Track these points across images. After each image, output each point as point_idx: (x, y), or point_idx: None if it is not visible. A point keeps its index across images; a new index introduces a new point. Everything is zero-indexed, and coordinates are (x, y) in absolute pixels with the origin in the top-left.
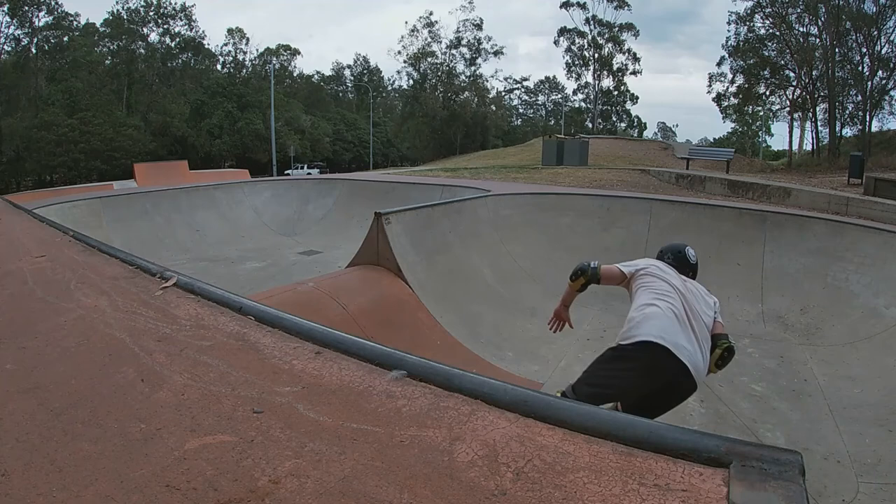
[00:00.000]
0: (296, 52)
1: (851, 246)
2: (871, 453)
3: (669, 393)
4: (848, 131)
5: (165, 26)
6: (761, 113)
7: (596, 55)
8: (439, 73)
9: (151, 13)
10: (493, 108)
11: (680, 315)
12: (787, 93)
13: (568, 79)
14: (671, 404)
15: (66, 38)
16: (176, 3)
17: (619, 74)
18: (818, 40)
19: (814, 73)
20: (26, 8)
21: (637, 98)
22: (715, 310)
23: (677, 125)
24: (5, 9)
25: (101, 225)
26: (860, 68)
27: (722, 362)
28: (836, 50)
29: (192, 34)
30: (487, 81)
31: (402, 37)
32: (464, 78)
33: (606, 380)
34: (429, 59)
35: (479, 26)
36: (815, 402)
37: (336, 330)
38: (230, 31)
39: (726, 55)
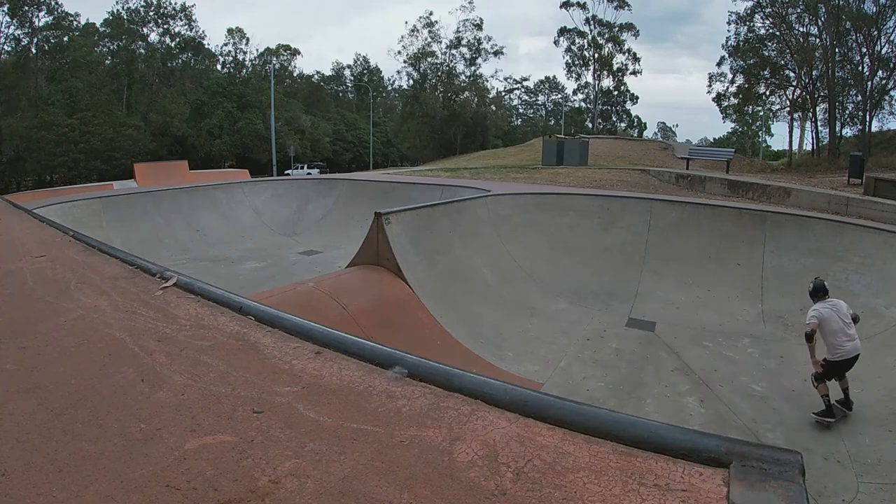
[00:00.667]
0: (296, 52)
1: (851, 246)
2: (871, 453)
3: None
4: (848, 131)
5: (165, 26)
6: (761, 113)
7: (596, 55)
8: (439, 73)
9: (151, 13)
10: (493, 108)
11: (845, 330)
12: (787, 93)
13: (568, 79)
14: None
15: (66, 38)
16: (176, 3)
17: (619, 74)
18: (818, 40)
19: (814, 73)
20: (26, 8)
21: (637, 98)
22: (849, 312)
23: (677, 125)
24: (5, 9)
25: (101, 225)
26: (860, 68)
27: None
28: (836, 50)
29: (192, 34)
30: (487, 81)
31: (402, 37)
32: (464, 78)
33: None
34: (429, 59)
35: (479, 26)
36: (815, 403)
37: (336, 330)
38: (230, 31)
39: (726, 55)
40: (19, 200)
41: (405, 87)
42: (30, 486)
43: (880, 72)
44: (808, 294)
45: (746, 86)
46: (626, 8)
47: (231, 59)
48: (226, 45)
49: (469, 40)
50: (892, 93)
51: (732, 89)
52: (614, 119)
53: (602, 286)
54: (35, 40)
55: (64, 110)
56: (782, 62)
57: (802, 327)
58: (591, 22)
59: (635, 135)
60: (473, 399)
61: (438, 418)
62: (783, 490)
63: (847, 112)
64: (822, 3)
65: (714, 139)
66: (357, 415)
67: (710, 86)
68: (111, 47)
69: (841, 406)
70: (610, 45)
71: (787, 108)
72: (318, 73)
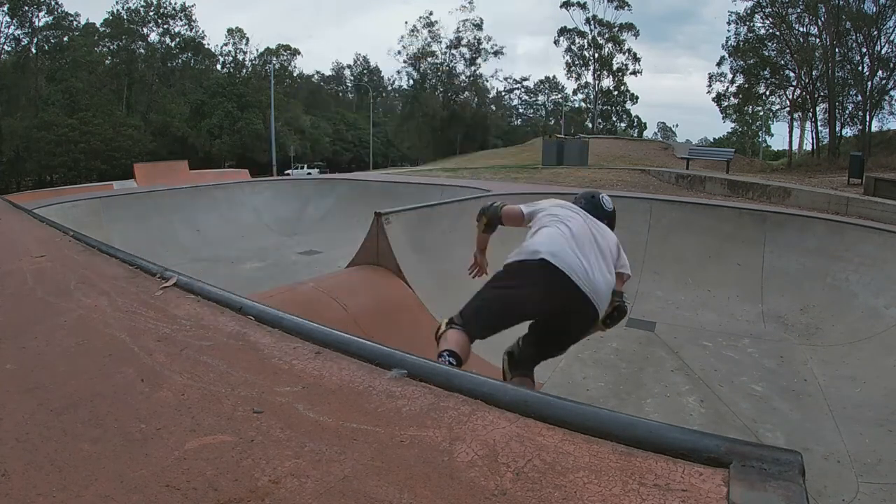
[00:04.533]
0: (296, 52)
1: (851, 246)
2: (871, 453)
3: (566, 319)
4: (848, 131)
5: (165, 26)
6: (761, 113)
7: (596, 55)
8: (439, 73)
9: (151, 13)
10: (493, 108)
11: (579, 236)
12: (787, 93)
13: (568, 79)
14: (571, 333)
15: (66, 38)
16: (176, 3)
17: (619, 74)
18: (818, 40)
19: (814, 73)
20: (26, 8)
21: (637, 98)
22: (621, 261)
23: (677, 125)
24: (5, 9)
25: (101, 225)
26: (860, 68)
27: (610, 321)
28: (836, 50)
29: (192, 34)
30: (487, 81)
31: (402, 37)
32: (464, 78)
33: (493, 295)
34: (429, 59)
35: (478, 26)
36: (815, 402)
37: (336, 330)
38: (230, 31)
39: (726, 55)
40: (19, 200)
41: (405, 87)
42: (30, 486)
43: (880, 72)
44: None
45: (746, 86)
46: (626, 8)
47: (231, 59)
48: (226, 45)
49: (469, 40)
50: (892, 93)
51: (732, 89)
52: (614, 119)
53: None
54: (35, 40)
55: (64, 110)
56: (782, 62)
57: (802, 327)
58: (591, 22)
59: (635, 135)
60: (473, 399)
61: (438, 418)
62: (783, 490)
63: (847, 112)
64: (822, 3)
65: (714, 139)
66: (357, 415)
67: (710, 86)
68: (111, 47)
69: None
70: (610, 45)
71: (787, 108)
72: (318, 73)
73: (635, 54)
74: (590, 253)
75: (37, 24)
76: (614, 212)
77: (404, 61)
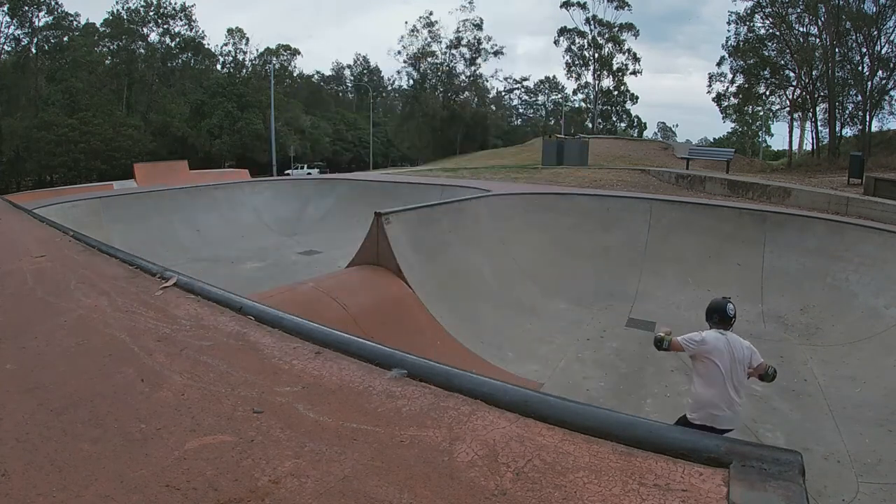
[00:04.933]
0: (296, 52)
1: (851, 246)
2: (871, 453)
3: None
4: (848, 131)
5: (165, 26)
6: (761, 113)
7: (596, 55)
8: (439, 73)
9: (151, 13)
10: (493, 108)
11: (727, 372)
12: (787, 93)
13: (568, 79)
14: None
15: (66, 38)
16: (176, 3)
17: (619, 74)
18: (818, 40)
19: (814, 73)
20: (26, 8)
21: (637, 98)
22: (751, 357)
23: (677, 125)
24: (5, 9)
25: (101, 225)
26: (860, 68)
27: (768, 382)
28: (836, 50)
29: (192, 34)
30: (487, 81)
31: (402, 37)
32: (464, 78)
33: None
34: (429, 59)
35: (478, 26)
36: (815, 402)
37: (336, 330)
38: (230, 31)
39: (726, 55)
40: (19, 200)
41: (405, 87)
42: (30, 486)
43: (880, 72)
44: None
45: (746, 86)
46: (626, 8)
47: (231, 59)
48: (226, 45)
49: (469, 40)
50: (892, 93)
51: (732, 89)
52: (614, 119)
53: (602, 286)
54: (35, 40)
55: (64, 110)
56: (782, 62)
57: (802, 327)
58: (591, 22)
59: (635, 135)
60: (473, 399)
61: (438, 418)
62: (783, 490)
63: (847, 112)
64: (822, 3)
65: (714, 139)
66: (357, 415)
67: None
68: (111, 47)
69: None
70: (610, 45)
71: (787, 108)
72: (318, 73)
73: (635, 54)
74: (738, 385)
75: (37, 24)
76: (735, 314)
77: (404, 61)
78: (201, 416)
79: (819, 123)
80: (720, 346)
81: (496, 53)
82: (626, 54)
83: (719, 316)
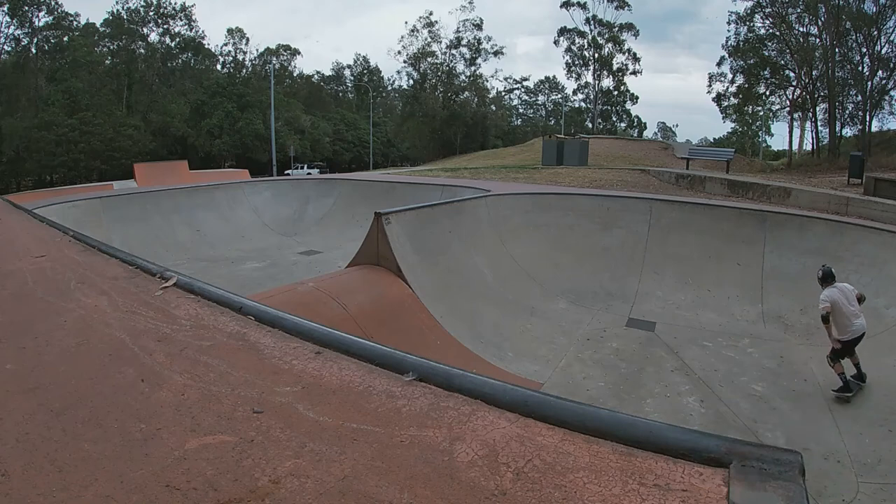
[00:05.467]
0: (296, 52)
1: (851, 246)
2: (871, 453)
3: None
4: (848, 131)
5: (165, 26)
6: (761, 113)
7: (596, 55)
8: (439, 73)
9: (151, 13)
10: (493, 108)
11: (854, 311)
12: (787, 93)
13: (568, 79)
14: None
15: (66, 38)
16: (176, 3)
17: (619, 74)
18: (818, 40)
19: (814, 73)
20: (26, 8)
21: (637, 98)
22: (853, 291)
23: (677, 125)
24: (5, 9)
25: (101, 225)
26: (860, 68)
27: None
28: (836, 50)
29: (192, 34)
30: (487, 81)
31: (402, 37)
32: (464, 78)
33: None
34: (429, 59)
35: (478, 26)
36: (815, 402)
37: (336, 330)
38: (230, 31)
39: (726, 55)
40: (19, 200)
41: (405, 87)
42: (30, 486)
43: (880, 72)
44: (818, 280)
45: (746, 86)
46: (626, 8)
47: (231, 59)
48: (226, 45)
49: (469, 40)
50: (892, 93)
51: (732, 89)
52: (614, 119)
53: (602, 286)
54: (35, 40)
55: (64, 110)
56: (782, 62)
57: (802, 327)
58: (591, 22)
59: (635, 135)
60: (473, 399)
61: (438, 418)
62: (783, 490)
63: (847, 112)
64: (822, 3)
65: (714, 139)
66: (357, 415)
67: (710, 86)
68: (111, 47)
69: (855, 380)
70: (610, 45)
71: (787, 108)
72: (317, 73)
73: (635, 54)
74: (855, 307)
75: (37, 24)
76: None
77: (404, 61)
78: (201, 416)
79: (819, 123)
80: (836, 295)
81: (496, 53)
82: (626, 54)
83: (832, 278)
